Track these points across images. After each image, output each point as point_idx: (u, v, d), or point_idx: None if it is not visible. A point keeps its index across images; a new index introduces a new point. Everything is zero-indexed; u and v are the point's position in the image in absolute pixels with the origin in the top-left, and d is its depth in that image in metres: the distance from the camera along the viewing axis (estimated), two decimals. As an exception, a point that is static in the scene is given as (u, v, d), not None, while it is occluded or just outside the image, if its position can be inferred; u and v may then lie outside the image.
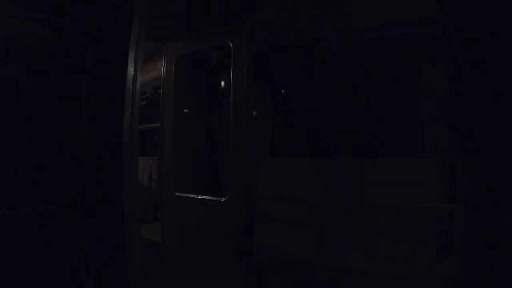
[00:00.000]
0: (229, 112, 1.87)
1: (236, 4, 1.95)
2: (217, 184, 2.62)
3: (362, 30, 2.03)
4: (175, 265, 2.12)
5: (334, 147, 2.08)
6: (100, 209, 1.50)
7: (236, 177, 1.81)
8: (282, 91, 2.54)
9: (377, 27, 1.95)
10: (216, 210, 1.90)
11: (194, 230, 2.01)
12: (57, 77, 1.43)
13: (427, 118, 1.83)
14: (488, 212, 0.89)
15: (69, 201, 1.44)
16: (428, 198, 1.41)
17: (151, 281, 2.36)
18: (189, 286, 2.06)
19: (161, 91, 2.25)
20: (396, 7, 1.79)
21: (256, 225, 1.79)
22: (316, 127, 2.23)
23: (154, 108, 2.86)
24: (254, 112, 1.93)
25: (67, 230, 1.42)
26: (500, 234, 0.86)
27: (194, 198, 2.02)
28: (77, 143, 1.49)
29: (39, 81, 1.39)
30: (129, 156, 1.47)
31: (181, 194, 2.07)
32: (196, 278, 2.02)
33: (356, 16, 1.95)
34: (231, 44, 1.88)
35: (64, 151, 1.45)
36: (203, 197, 1.99)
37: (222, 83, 2.72)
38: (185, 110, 2.53)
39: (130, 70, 1.49)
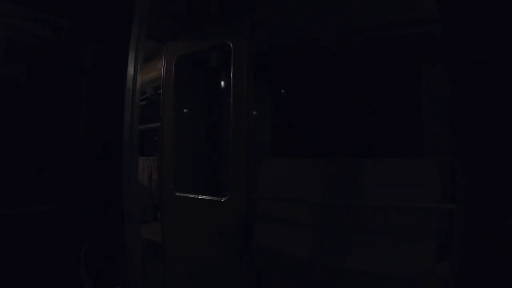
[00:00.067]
0: (229, 112, 1.87)
1: (236, 4, 1.95)
2: (217, 184, 2.62)
3: (362, 30, 2.03)
4: (175, 265, 2.12)
5: (334, 147, 2.08)
6: (100, 209, 1.50)
7: (236, 177, 1.81)
8: (282, 91, 2.54)
9: (377, 27, 1.95)
10: (216, 210, 1.90)
11: (194, 230, 2.01)
12: (57, 77, 1.43)
13: (427, 118, 1.83)
14: (488, 212, 0.89)
15: (69, 201, 1.44)
16: (428, 198, 1.41)
17: (151, 281, 2.36)
18: (189, 286, 2.06)
19: (161, 91, 2.25)
20: (396, 7, 1.79)
21: (256, 225, 1.79)
22: (316, 127, 2.23)
23: (154, 108, 2.86)
24: (254, 112, 1.93)
25: (67, 230, 1.42)
26: (500, 234, 0.86)
27: (194, 198, 2.02)
28: (77, 143, 1.49)
29: (39, 81, 1.39)
30: (129, 156, 1.47)
31: (181, 194, 2.07)
32: (196, 278, 2.02)
33: (356, 16, 1.95)
34: (231, 44, 1.88)
35: (64, 151, 1.45)
36: (203, 197, 1.99)
37: (222, 83, 2.72)
38: (185, 110, 2.53)
39: (130, 70, 1.49)
